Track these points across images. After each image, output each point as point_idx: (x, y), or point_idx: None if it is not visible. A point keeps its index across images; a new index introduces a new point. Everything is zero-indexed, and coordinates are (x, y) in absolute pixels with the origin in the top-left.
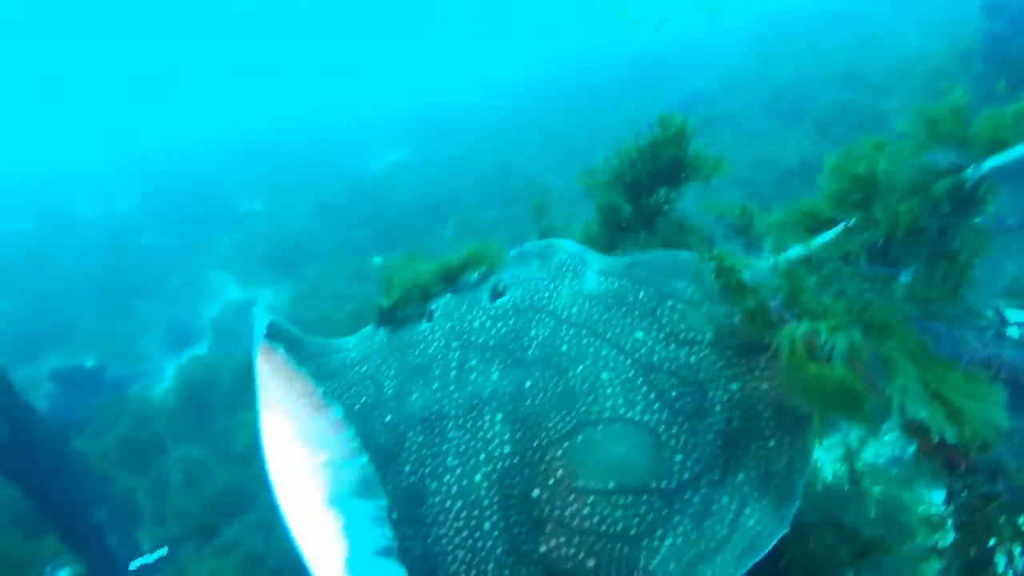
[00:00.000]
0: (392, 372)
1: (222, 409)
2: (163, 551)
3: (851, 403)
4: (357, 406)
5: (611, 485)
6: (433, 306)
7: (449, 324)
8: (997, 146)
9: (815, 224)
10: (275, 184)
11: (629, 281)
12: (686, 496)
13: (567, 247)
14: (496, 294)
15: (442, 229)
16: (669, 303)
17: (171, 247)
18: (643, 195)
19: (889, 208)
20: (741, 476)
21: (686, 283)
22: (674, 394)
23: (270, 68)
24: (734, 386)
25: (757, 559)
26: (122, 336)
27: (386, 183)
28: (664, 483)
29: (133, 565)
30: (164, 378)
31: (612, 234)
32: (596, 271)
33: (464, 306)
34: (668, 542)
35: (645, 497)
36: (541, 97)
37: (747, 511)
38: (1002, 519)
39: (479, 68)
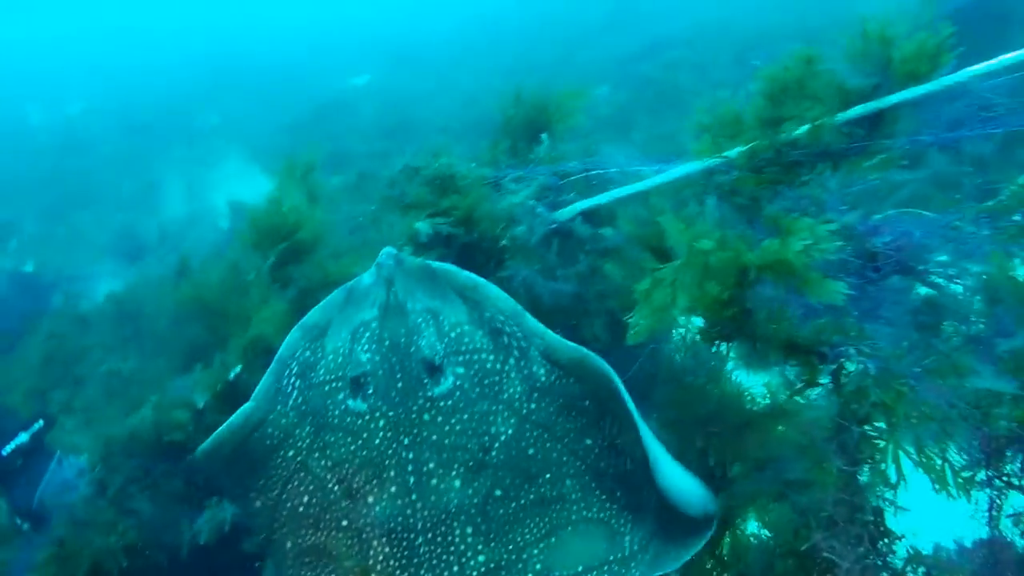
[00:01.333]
0: (330, 464)
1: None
2: (39, 424)
3: None
4: (301, 508)
5: (580, 568)
6: (359, 377)
7: (391, 412)
8: (913, 77)
9: (738, 129)
10: (235, 100)
11: (578, 385)
12: (635, 561)
13: (498, 303)
14: (433, 368)
15: (399, 154)
16: (609, 418)
17: (123, 155)
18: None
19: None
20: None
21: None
22: (619, 494)
23: None
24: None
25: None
26: (65, 242)
27: (348, 106)
28: (619, 555)
29: (5, 450)
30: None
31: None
32: (540, 352)
33: (400, 383)
34: None
35: (606, 567)
36: (514, 32)
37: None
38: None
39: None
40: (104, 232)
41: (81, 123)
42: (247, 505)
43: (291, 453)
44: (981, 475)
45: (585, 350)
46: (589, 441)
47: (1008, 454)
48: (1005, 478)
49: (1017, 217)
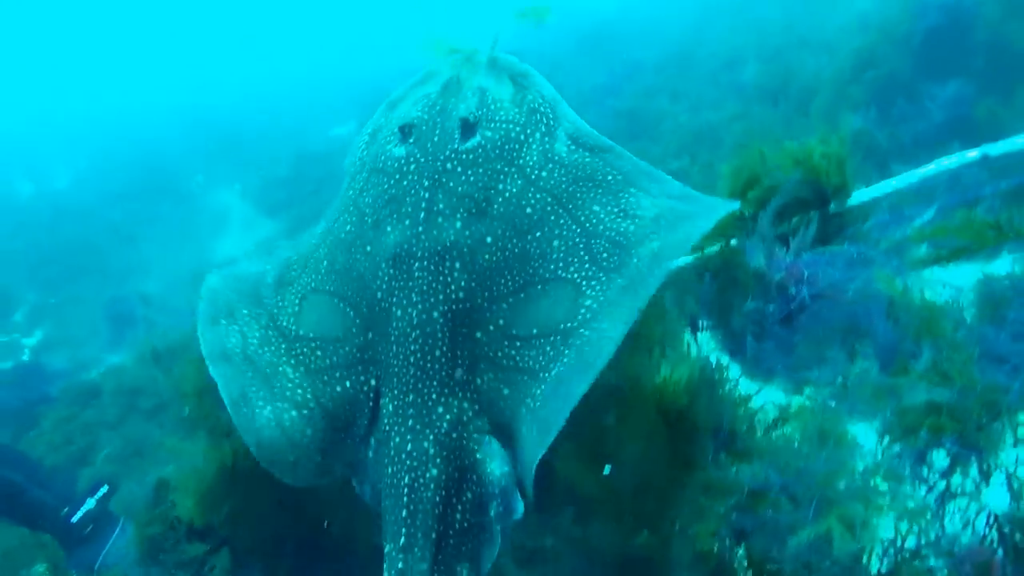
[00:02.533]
0: (370, 199)
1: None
2: (104, 489)
3: None
4: (343, 234)
5: (534, 331)
6: (405, 126)
7: (423, 158)
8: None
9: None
10: (222, 158)
11: (602, 163)
12: (581, 331)
13: (542, 90)
14: (467, 127)
15: None
16: (632, 190)
17: (115, 223)
18: None
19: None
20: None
21: (658, 186)
22: (604, 255)
23: (223, 25)
24: (655, 244)
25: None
26: (62, 317)
27: (330, 158)
28: (569, 324)
29: (75, 517)
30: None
31: None
32: (567, 134)
33: (436, 136)
34: (555, 371)
35: (551, 338)
36: None
37: (606, 324)
38: None
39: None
40: (100, 302)
41: (72, 195)
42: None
43: (350, 192)
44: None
45: (611, 143)
46: (597, 208)
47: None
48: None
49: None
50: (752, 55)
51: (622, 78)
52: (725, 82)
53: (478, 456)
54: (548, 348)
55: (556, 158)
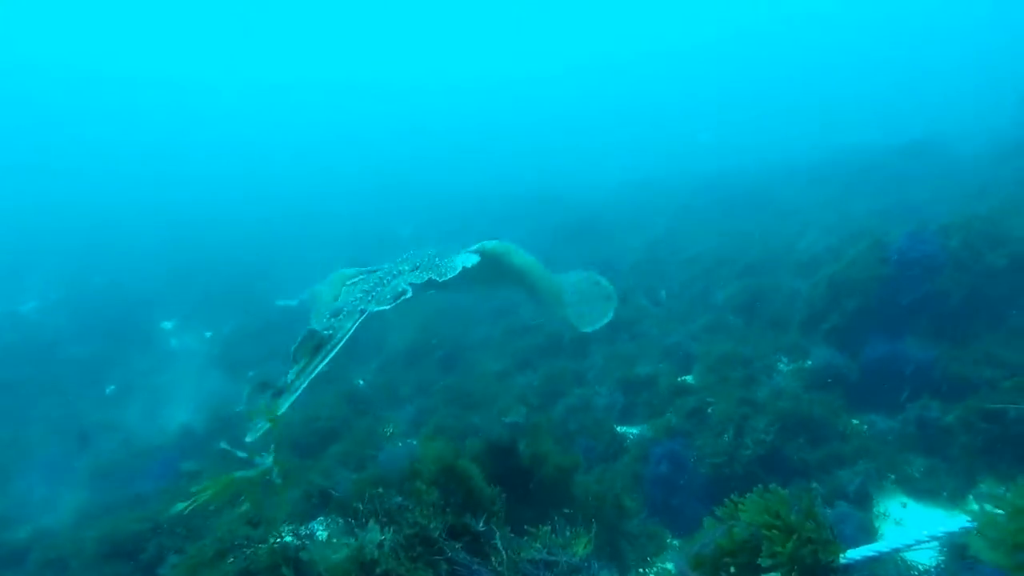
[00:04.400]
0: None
1: None
2: None
3: None
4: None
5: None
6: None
7: (369, 286)
8: None
9: None
10: (192, 305)
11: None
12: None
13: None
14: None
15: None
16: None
17: (82, 359)
18: None
19: None
20: None
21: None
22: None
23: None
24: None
25: None
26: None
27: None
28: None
29: None
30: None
31: None
32: (423, 283)
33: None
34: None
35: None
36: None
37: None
38: None
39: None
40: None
41: (35, 321)
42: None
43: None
44: None
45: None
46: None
47: None
48: None
49: None
50: (728, 270)
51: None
52: (694, 293)
53: None
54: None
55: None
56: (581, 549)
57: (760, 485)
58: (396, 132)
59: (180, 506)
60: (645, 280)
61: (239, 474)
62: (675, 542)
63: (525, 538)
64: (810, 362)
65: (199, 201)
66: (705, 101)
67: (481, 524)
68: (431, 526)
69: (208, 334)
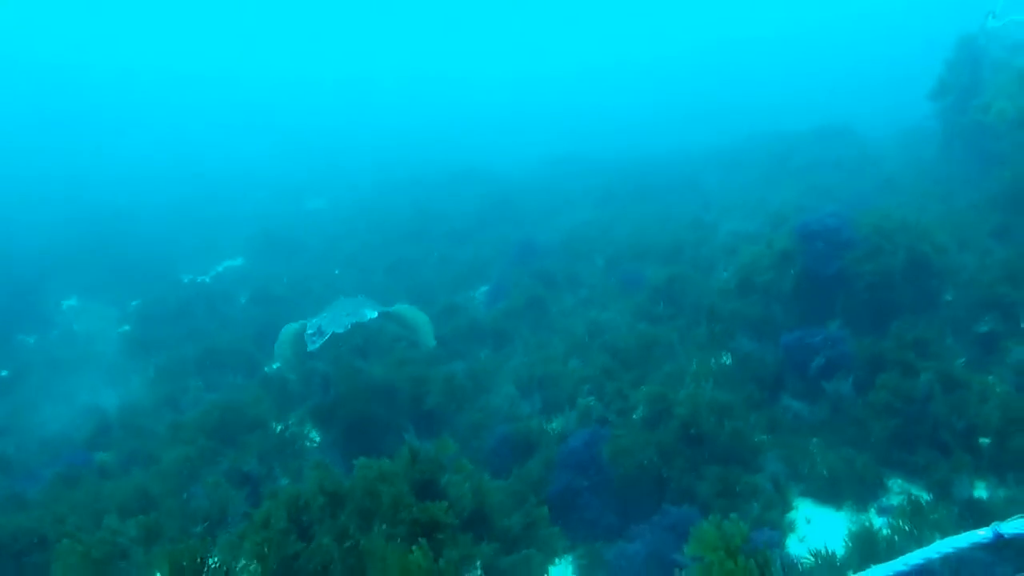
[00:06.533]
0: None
1: None
2: None
3: None
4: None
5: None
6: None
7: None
8: None
9: None
10: (95, 280)
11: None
12: None
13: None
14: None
15: (268, 358)
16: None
17: None
18: None
19: None
20: None
21: None
22: None
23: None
24: None
25: None
26: None
27: (220, 295)
28: None
29: None
30: None
31: None
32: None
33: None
34: None
35: None
36: (395, 218)
37: None
38: None
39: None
40: None
41: None
42: None
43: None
44: None
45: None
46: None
47: None
48: None
49: None
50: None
51: (517, 256)
52: (619, 277)
53: None
54: None
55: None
56: None
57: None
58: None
59: None
60: (568, 264)
61: None
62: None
63: None
64: (727, 354)
65: (106, 177)
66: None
67: None
68: None
69: (113, 312)
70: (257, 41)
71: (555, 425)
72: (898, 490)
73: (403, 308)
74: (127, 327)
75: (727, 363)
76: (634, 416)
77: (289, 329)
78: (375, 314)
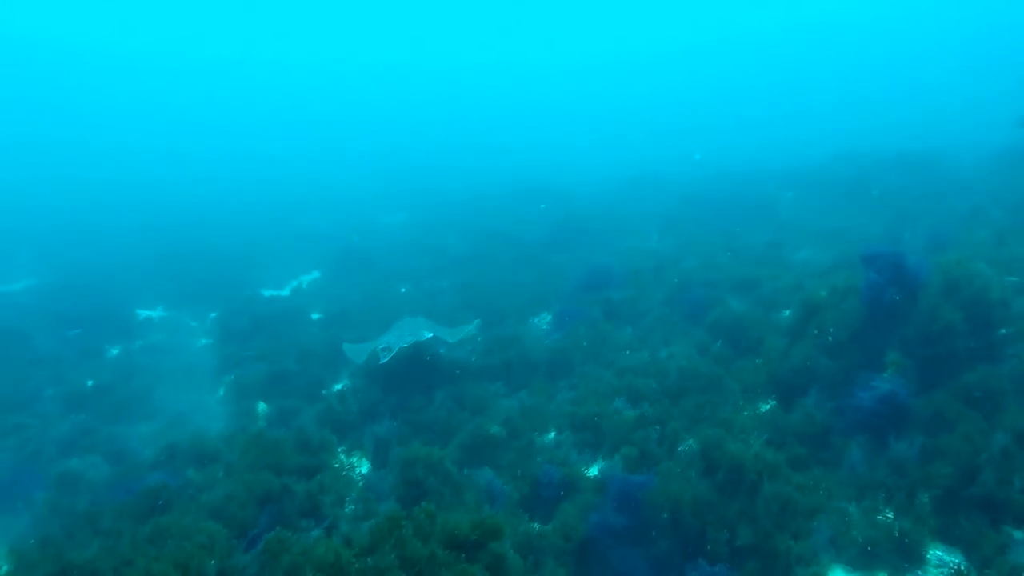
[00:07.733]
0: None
1: None
2: None
3: None
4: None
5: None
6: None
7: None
8: None
9: None
10: (178, 290)
11: None
12: None
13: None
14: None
15: (333, 378)
16: None
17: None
18: None
19: None
20: None
21: None
22: None
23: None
24: None
25: None
26: None
27: (295, 312)
28: None
29: None
30: None
31: None
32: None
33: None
34: None
35: None
36: (465, 241)
37: None
38: None
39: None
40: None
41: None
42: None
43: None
44: None
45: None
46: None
47: None
48: None
49: None
50: (716, 282)
51: (581, 283)
52: (682, 309)
53: None
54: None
55: None
56: None
57: None
58: (394, 122)
59: None
60: (632, 293)
61: None
62: None
63: None
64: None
65: (181, 181)
66: (700, 105)
67: None
68: None
69: (194, 324)
70: (351, 54)
71: (594, 471)
72: (936, 562)
73: (450, 331)
74: (205, 340)
75: (776, 410)
76: (676, 468)
77: (353, 347)
78: (431, 335)
